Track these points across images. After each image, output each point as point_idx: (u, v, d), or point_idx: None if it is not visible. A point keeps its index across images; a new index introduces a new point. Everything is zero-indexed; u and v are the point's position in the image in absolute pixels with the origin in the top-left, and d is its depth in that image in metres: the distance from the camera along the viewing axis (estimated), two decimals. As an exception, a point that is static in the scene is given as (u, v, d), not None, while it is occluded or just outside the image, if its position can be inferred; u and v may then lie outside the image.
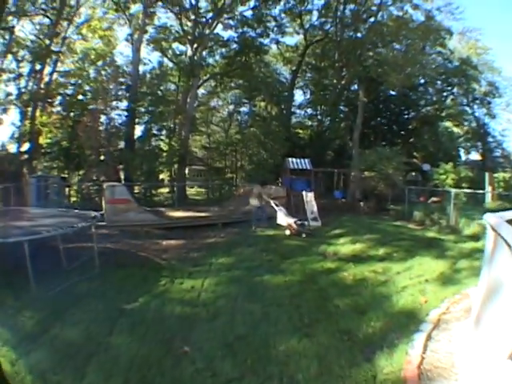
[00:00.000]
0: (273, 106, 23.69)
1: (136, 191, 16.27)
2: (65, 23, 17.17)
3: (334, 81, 22.93)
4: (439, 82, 24.23)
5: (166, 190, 19.55)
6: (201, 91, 23.56)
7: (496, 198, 10.72)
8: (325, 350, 3.57)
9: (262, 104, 24.13)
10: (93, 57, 17.85)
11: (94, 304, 4.52)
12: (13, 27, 15.34)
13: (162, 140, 19.82)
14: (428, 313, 4.31)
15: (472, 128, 26.64)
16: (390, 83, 18.13)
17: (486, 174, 11.86)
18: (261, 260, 7.04)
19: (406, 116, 26.68)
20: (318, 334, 3.89)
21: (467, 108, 25.56)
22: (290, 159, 15.89)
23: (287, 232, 9.88)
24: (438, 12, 19.37)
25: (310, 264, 6.81)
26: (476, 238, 9.45)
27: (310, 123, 26.34)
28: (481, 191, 11.59)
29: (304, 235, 9.45)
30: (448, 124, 28.36)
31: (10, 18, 14.71)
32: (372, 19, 20.07)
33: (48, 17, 16.30)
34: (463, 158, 30.41)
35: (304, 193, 13.34)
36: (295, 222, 9.87)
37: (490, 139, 26.21)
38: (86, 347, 3.40)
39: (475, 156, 28.23)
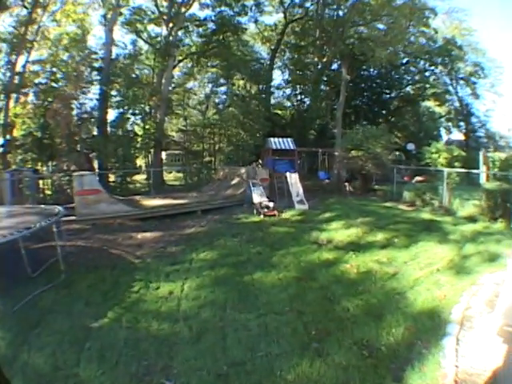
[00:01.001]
0: (252, 85, 22.96)
1: (112, 179, 15.56)
2: (40, 11, 16.03)
3: (315, 59, 22.23)
4: (422, 62, 23.93)
5: (143, 176, 18.79)
6: (177, 73, 22.85)
7: (491, 178, 10.39)
8: (344, 372, 2.87)
9: (241, 83, 23.24)
10: (66, 41, 17.00)
11: (59, 321, 3.72)
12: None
13: (136, 124, 18.97)
14: (450, 310, 3.92)
15: (455, 108, 26.71)
16: (376, 59, 17.39)
17: (481, 154, 11.53)
18: (248, 253, 6.17)
19: (388, 95, 26.42)
20: (331, 351, 3.15)
21: (450, 88, 25.47)
22: (271, 139, 15.00)
23: (254, 211, 9.89)
24: None
25: (304, 255, 6.02)
26: (472, 219, 9.27)
27: (289, 104, 25.88)
28: (475, 171, 11.23)
29: (262, 216, 9.40)
30: (429, 104, 28.35)
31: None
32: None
33: (25, 6, 15.30)
34: (444, 137, 30.84)
35: (288, 174, 12.68)
36: (260, 203, 10.00)
37: (474, 119, 26.40)
38: (55, 381, 2.81)
39: (457, 136, 28.50)
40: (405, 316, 3.79)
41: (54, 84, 16.07)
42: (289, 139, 15.02)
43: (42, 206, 7.15)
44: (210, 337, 3.32)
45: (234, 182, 12.39)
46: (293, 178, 12.57)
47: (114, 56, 17.93)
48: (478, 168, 11.44)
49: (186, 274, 5.08)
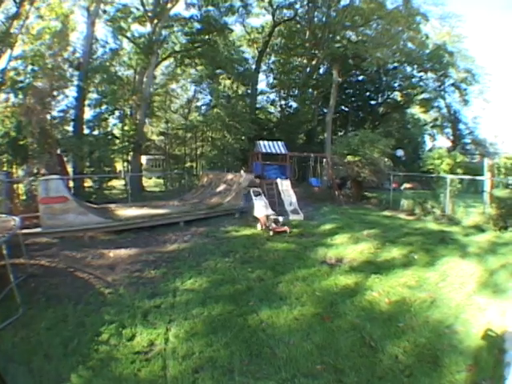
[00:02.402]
0: (239, 85, 22.28)
1: (89, 184, 14.60)
2: (27, 5, 14.95)
3: (304, 61, 22.10)
4: (409, 69, 23.94)
5: (122, 182, 17.50)
6: (159, 76, 22.32)
7: (498, 185, 9.92)
8: None
9: (228, 83, 22.52)
10: (47, 36, 15.75)
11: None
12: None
13: (114, 125, 18.28)
14: (503, 338, 3.49)
15: (442, 114, 26.91)
16: (373, 60, 17.19)
17: (485, 160, 11.06)
18: (246, 279, 5.04)
19: (375, 101, 26.38)
20: None
21: (439, 94, 25.60)
22: (261, 142, 13.88)
23: (258, 226, 8.50)
24: None
25: (316, 280, 4.99)
26: (479, 228, 8.87)
27: (272, 109, 25.70)
28: (480, 178, 10.75)
29: (271, 233, 7.94)
30: (414, 111, 28.51)
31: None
32: (344, 2, 19.35)
33: (15, 0, 14.31)
34: (428, 144, 31.16)
35: (279, 181, 11.80)
36: (267, 216, 8.54)
37: (462, 126, 26.68)
38: None
39: (443, 142, 28.74)
40: (463, 355, 3.22)
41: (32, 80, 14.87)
42: (279, 142, 14.00)
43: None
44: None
45: (219, 189, 11.18)
46: (284, 185, 11.69)
47: (94, 52, 17.05)
48: (475, 174, 11.00)
49: (170, 312, 3.89)
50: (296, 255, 6.35)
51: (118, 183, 17.34)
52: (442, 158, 11.25)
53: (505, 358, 3.14)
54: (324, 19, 20.32)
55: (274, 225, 8.21)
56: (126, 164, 19.56)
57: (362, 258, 6.16)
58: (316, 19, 20.95)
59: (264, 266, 5.69)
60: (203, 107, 23.16)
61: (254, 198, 9.41)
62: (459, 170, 10.87)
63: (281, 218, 8.50)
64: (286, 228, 8.15)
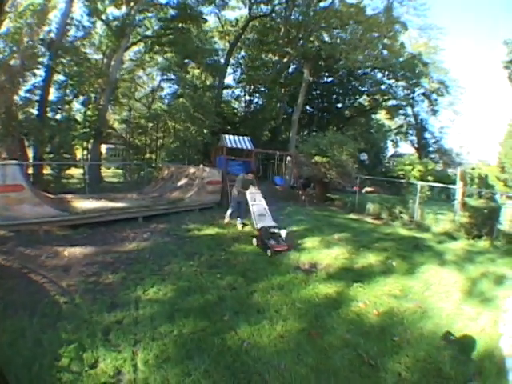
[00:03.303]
0: (207, 76, 22.33)
1: (48, 172, 14.11)
2: None
3: (276, 57, 22.17)
4: (379, 75, 24.91)
5: (80, 170, 16.96)
6: (127, 62, 21.84)
7: (469, 194, 10.54)
8: None
9: (196, 72, 22.39)
10: (29, 13, 15.00)
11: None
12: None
13: (78, 110, 18.18)
14: (498, 344, 3.59)
15: (408, 122, 28.37)
16: (348, 62, 17.68)
17: (458, 169, 11.67)
18: (216, 287, 4.54)
19: (341, 104, 27.07)
20: None
21: (407, 102, 26.93)
22: (226, 136, 13.46)
23: (254, 241, 6.97)
24: (400, 5, 19.38)
25: (294, 289, 4.63)
26: (450, 236, 9.16)
27: (238, 102, 25.79)
28: (452, 186, 11.28)
29: (269, 253, 6.29)
30: (379, 116, 29.79)
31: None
32: (323, 3, 19.76)
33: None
34: (390, 150, 32.80)
35: None
36: (266, 229, 6.88)
37: (428, 135, 28.29)
38: None
39: (405, 149, 30.39)
40: (466, 366, 3.18)
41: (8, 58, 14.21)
42: (246, 138, 13.64)
43: None
44: None
45: (180, 183, 10.70)
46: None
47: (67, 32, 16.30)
48: (440, 182, 11.61)
49: (134, 330, 3.31)
50: (267, 259, 6.02)
51: (76, 172, 16.65)
52: (413, 165, 11.66)
53: (505, 364, 3.23)
54: (301, 18, 20.60)
55: (272, 241, 6.56)
56: (85, 152, 19.06)
57: (337, 263, 5.97)
58: (293, 17, 21.20)
59: (234, 271, 5.25)
60: (168, 96, 23.01)
61: (250, 202, 7.85)
62: (430, 178, 11.34)
63: (283, 233, 6.82)
64: (287, 246, 6.54)
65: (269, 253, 6.24)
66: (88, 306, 3.77)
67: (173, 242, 6.73)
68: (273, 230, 6.90)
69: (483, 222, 8.81)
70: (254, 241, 6.92)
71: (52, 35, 15.43)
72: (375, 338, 3.49)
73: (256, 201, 7.92)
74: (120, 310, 3.73)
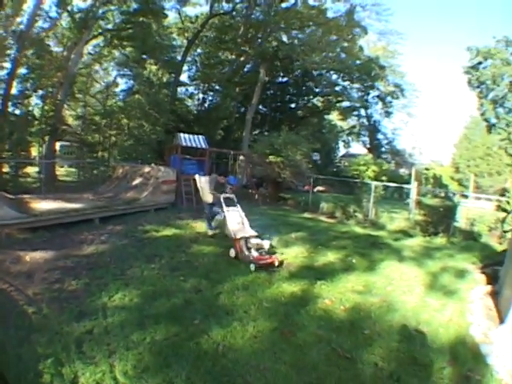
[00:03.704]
0: (164, 73, 22.32)
1: (5, 170, 13.91)
2: None
3: (233, 56, 22.34)
4: (334, 76, 25.91)
5: (36, 169, 16.86)
6: (85, 56, 21.12)
7: (424, 193, 11.34)
8: None
9: (154, 68, 22.18)
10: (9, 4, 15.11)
11: None
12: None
13: (36, 105, 17.82)
14: (468, 333, 3.91)
15: (361, 123, 29.84)
16: (305, 63, 18.27)
17: (413, 169, 12.48)
18: (181, 290, 4.38)
19: (294, 104, 27.71)
20: None
21: (361, 104, 28.26)
22: (181, 135, 13.19)
23: (232, 253, 6.16)
24: (362, 9, 20.15)
25: (259, 289, 4.61)
26: (406, 233, 9.75)
27: (191, 100, 25.90)
28: (407, 186, 12.03)
29: (253, 267, 5.49)
30: (331, 117, 31.03)
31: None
32: (285, 4, 20.25)
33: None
34: (342, 150, 34.27)
35: (197, 177, 11.38)
36: (246, 239, 6.08)
37: (380, 136, 29.94)
38: None
39: (357, 150, 31.91)
40: (440, 353, 3.40)
41: None
42: (200, 136, 13.45)
43: None
44: None
45: (135, 182, 10.52)
46: (203, 182, 11.37)
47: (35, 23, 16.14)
48: (392, 181, 12.40)
49: (107, 340, 3.12)
50: (227, 260, 5.94)
51: (31, 170, 16.32)
52: (368, 165, 12.27)
53: (480, 350, 3.49)
54: (261, 17, 20.96)
55: (255, 253, 5.88)
56: (40, 149, 18.68)
57: (297, 262, 6.12)
58: (253, 16, 21.51)
59: (196, 273, 5.12)
60: (123, 93, 22.71)
61: (225, 208, 6.80)
62: (384, 178, 12.03)
63: (266, 244, 6.04)
64: (273, 259, 5.78)
65: (252, 267, 5.48)
66: (57, 316, 3.52)
67: (131, 244, 6.52)
68: (254, 240, 6.05)
69: (439, 219, 9.48)
70: (232, 252, 6.09)
71: (22, 26, 15.18)
72: (346, 332, 3.60)
73: (230, 207, 6.92)
74: (88, 318, 3.52)
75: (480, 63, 27.43)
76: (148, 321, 3.50)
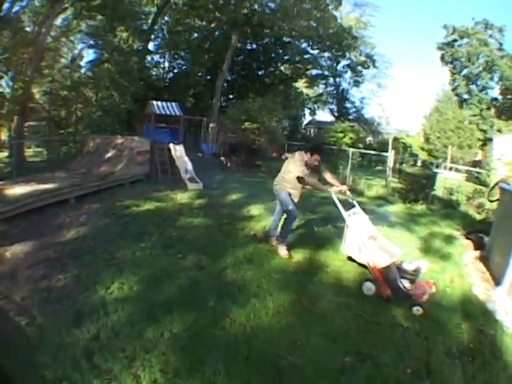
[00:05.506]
0: (135, 40, 20.98)
1: None
2: None
3: (203, 23, 21.77)
4: (304, 44, 25.37)
5: (5, 154, 15.92)
6: (54, 30, 19.28)
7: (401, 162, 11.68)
8: None
9: (124, 35, 20.77)
10: None
11: None
12: None
13: (7, 85, 17.21)
14: (473, 293, 4.19)
15: (328, 91, 29.77)
16: (281, 30, 18.56)
17: (391, 138, 12.69)
18: (183, 269, 4.08)
19: (263, 72, 27.13)
20: None
21: (329, 72, 28.11)
22: (155, 102, 12.37)
23: (368, 289, 3.81)
24: None
25: (264, 261, 4.48)
26: (386, 200, 10.02)
27: (157, 69, 25.21)
28: (385, 154, 12.22)
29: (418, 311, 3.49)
30: (298, 84, 30.73)
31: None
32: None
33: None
34: (307, 118, 34.26)
35: (172, 146, 11.14)
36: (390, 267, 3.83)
37: (348, 104, 30.09)
38: None
39: (323, 117, 32.01)
40: (452, 311, 3.63)
41: None
42: (174, 104, 12.64)
43: None
44: None
45: (108, 155, 9.78)
46: (178, 151, 11.15)
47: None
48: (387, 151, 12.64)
49: (119, 345, 2.62)
50: (221, 231, 5.72)
51: (1, 156, 15.64)
52: (345, 132, 12.30)
53: (487, 307, 3.70)
54: None
55: (407, 284, 3.71)
56: (9, 133, 17.71)
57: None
58: None
59: (192, 249, 4.81)
60: (89, 64, 21.21)
61: (344, 212, 4.38)
62: (360, 145, 12.17)
63: (423, 265, 3.95)
64: (431, 284, 3.77)
65: (417, 310, 3.43)
66: (52, 324, 2.94)
67: (114, 222, 5.95)
68: (407, 264, 3.85)
69: (420, 187, 9.72)
70: (369, 287, 3.78)
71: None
72: (363, 298, 3.63)
73: (355, 214, 4.51)
74: (89, 322, 2.94)
75: (455, 40, 28.37)
76: (158, 311, 3.11)
